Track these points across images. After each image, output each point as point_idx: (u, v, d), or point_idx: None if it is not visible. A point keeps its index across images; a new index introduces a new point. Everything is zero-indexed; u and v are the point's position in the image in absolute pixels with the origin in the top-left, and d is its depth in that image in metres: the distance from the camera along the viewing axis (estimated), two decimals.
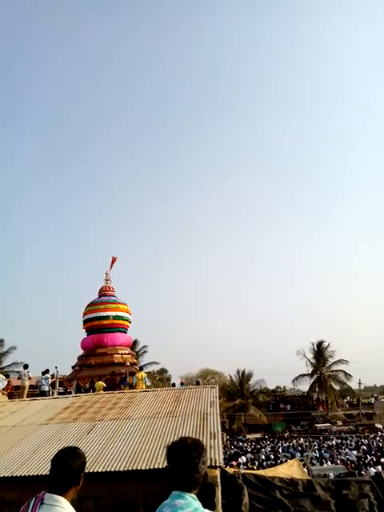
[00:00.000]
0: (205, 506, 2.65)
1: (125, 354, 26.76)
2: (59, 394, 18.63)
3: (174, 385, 22.15)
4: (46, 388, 14.72)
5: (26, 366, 15.06)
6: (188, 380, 38.23)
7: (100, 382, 16.46)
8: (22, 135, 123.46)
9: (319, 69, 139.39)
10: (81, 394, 11.35)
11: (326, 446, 24.46)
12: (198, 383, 21.80)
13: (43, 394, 14.08)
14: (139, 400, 8.32)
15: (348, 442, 26.03)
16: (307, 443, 26.58)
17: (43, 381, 14.79)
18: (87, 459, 5.16)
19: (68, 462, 2.12)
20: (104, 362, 25.21)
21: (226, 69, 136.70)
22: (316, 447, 24.02)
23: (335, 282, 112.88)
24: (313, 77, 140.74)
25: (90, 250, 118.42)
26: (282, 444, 26.64)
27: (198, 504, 1.77)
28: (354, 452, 20.21)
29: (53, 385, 17.38)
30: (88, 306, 28.18)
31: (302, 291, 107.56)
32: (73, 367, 27.47)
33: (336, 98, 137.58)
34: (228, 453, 22.95)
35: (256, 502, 6.73)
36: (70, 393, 21.28)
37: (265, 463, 18.15)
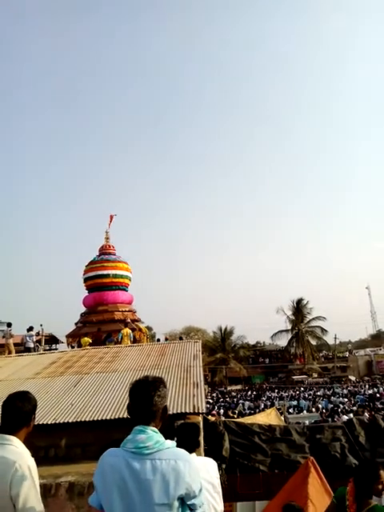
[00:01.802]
0: (190, 445, 2.81)
1: (125, 311, 27.05)
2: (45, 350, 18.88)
3: (158, 340, 22.66)
4: (31, 345, 14.89)
5: (9, 324, 15.11)
6: (172, 336, 39.05)
7: (86, 338, 16.71)
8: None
9: None
10: (66, 350, 11.54)
11: (303, 396, 25.82)
12: (181, 339, 22.36)
13: (28, 350, 14.25)
14: (125, 354, 8.52)
15: (321, 392, 27.50)
16: (286, 393, 28.04)
17: (28, 338, 14.94)
18: (75, 410, 5.37)
19: (18, 405, 2.25)
20: (105, 319, 25.51)
21: None
22: (292, 397, 25.41)
23: (313, 247, 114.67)
24: None
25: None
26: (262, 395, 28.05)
27: (159, 437, 1.80)
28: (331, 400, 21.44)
29: (39, 342, 17.55)
30: (88, 264, 28.21)
31: (283, 253, 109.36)
32: (75, 324, 27.87)
33: None
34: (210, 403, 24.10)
35: (236, 447, 7.14)
36: (73, 347, 21.59)
37: (245, 412, 19.12)
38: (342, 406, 19.05)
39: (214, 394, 31.41)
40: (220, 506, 1.80)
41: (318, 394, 27.04)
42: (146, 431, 1.79)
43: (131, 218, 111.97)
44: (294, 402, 22.12)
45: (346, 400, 21.45)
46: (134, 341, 16.09)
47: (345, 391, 26.72)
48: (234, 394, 31.41)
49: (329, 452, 7.04)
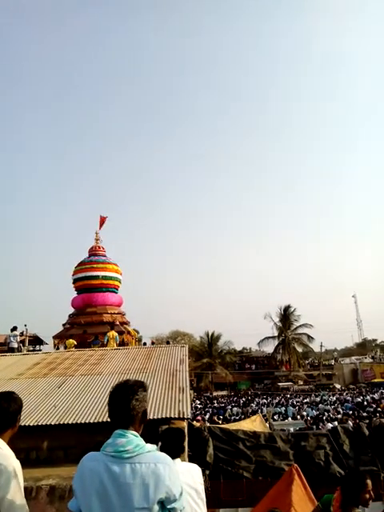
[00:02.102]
0: (175, 450, 2.77)
1: (114, 313, 26.86)
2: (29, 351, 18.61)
3: (145, 344, 22.53)
4: (15, 345, 14.64)
5: None
6: (159, 340, 38.92)
7: (70, 340, 16.54)
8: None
9: None
10: (51, 352, 11.39)
11: (289, 402, 25.89)
12: (168, 343, 22.24)
13: (12, 350, 14.02)
14: (110, 357, 8.43)
15: (309, 400, 27.59)
16: (270, 400, 28.07)
17: (11, 338, 14.69)
18: (58, 412, 5.27)
19: (3, 406, 2.19)
20: (93, 321, 25.26)
21: None
22: (278, 403, 25.45)
23: (301, 254, 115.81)
24: None
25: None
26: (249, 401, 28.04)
27: (139, 440, 1.78)
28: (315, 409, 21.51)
29: (22, 343, 17.30)
30: (77, 265, 28.00)
31: (271, 260, 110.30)
32: (63, 325, 27.57)
33: None
34: (196, 408, 24.01)
35: (220, 453, 7.10)
36: (58, 349, 21.34)
37: (231, 418, 19.06)
38: (326, 413, 19.13)
39: (202, 400, 31.32)
40: (181, 502, 1.81)
41: (306, 401, 27.11)
42: (126, 435, 1.77)
43: (123, 219, 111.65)
44: (282, 409, 22.13)
45: (333, 407, 21.56)
46: (123, 344, 15.96)
47: (333, 398, 26.86)
48: (222, 400, 31.27)
49: (313, 460, 7.04)
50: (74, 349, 13.12)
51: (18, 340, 15.35)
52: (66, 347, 16.62)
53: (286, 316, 44.82)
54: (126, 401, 1.81)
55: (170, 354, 8.24)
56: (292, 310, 44.89)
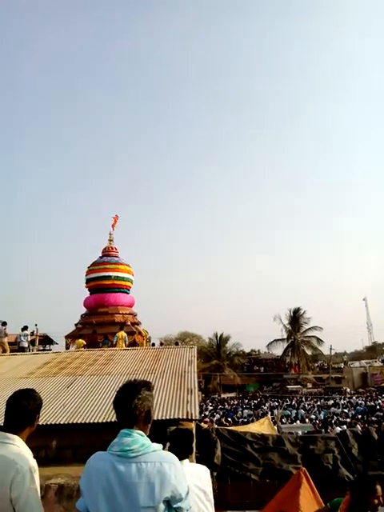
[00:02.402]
0: (183, 451, 2.78)
1: (126, 313, 27.00)
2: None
3: (153, 345, 22.57)
4: (25, 344, 14.76)
5: (4, 323, 15.01)
6: (167, 342, 38.92)
7: (80, 340, 16.61)
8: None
9: None
10: (61, 351, 11.48)
11: (302, 406, 25.70)
12: (176, 344, 22.22)
13: (22, 349, 14.15)
14: (119, 357, 8.47)
15: (320, 402, 27.35)
16: (288, 402, 27.87)
17: (22, 337, 14.80)
18: (67, 411, 5.32)
19: (23, 403, 2.16)
20: (105, 321, 25.44)
21: None
22: (288, 406, 25.26)
23: (312, 257, 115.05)
24: None
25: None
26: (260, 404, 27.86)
27: (144, 440, 1.79)
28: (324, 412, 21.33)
29: (32, 342, 17.44)
30: (90, 265, 28.32)
31: (281, 263, 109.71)
32: (75, 325, 27.83)
33: None
34: (205, 409, 23.99)
35: (228, 455, 7.10)
36: (68, 349, 21.52)
37: (239, 421, 18.97)
38: (336, 416, 18.95)
39: (214, 402, 31.26)
40: (188, 502, 1.82)
41: (318, 404, 26.87)
42: (132, 434, 1.78)
43: (130, 219, 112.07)
44: (293, 411, 21.96)
45: (346, 410, 21.37)
46: (134, 344, 16.00)
47: (344, 402, 26.60)
48: (233, 402, 31.05)
49: (321, 463, 7.00)
50: (83, 349, 13.20)
51: (29, 339, 15.48)
52: (76, 347, 16.72)
53: (296, 318, 44.51)
54: (128, 400, 1.83)
55: (179, 356, 8.26)
56: (302, 312, 44.61)
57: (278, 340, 45.19)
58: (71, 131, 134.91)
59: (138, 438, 1.78)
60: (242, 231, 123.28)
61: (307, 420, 18.70)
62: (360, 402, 26.35)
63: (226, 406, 27.41)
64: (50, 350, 26.46)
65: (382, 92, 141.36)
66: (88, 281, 28.06)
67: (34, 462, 2.05)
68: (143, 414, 1.85)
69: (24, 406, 2.16)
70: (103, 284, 27.22)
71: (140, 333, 25.68)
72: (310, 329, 44.58)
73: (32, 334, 16.80)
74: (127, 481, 1.69)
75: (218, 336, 45.88)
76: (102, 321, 25.55)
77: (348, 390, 37.59)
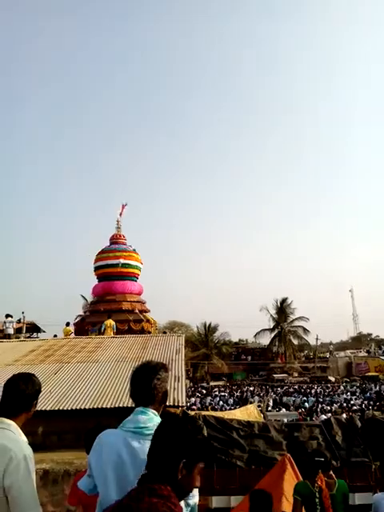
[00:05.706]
0: None
1: (134, 301, 26.93)
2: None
3: (165, 333, 22.66)
4: (11, 331, 14.73)
5: None
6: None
7: (67, 328, 16.56)
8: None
9: None
10: (48, 338, 11.41)
11: (284, 393, 26.15)
12: (164, 333, 22.31)
13: (8, 336, 14.09)
14: (107, 345, 8.46)
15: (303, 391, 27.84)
16: (264, 392, 28.29)
17: (7, 324, 14.78)
18: (54, 398, 5.29)
19: (21, 387, 2.09)
20: (112, 309, 25.34)
21: None
22: (273, 395, 25.65)
23: (299, 248, 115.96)
24: None
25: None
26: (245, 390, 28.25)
27: (159, 419, 1.82)
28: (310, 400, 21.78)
29: (19, 330, 17.36)
30: (98, 253, 28.16)
31: (269, 253, 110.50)
32: (84, 312, 27.77)
33: None
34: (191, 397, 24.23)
35: (214, 442, 7.15)
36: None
37: (227, 408, 19.22)
38: (320, 405, 19.32)
39: (206, 389, 31.57)
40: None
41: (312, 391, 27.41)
42: (148, 413, 1.83)
43: (131, 205, 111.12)
44: (290, 399, 22.50)
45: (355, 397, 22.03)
46: (143, 331, 16.02)
47: (353, 389, 27.32)
48: (224, 393, 30.89)
49: (306, 450, 7.09)
50: (70, 337, 13.16)
51: (14, 326, 15.41)
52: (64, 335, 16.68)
53: (283, 308, 45.00)
54: (148, 380, 1.88)
55: (166, 344, 8.28)
56: (289, 302, 45.11)
57: (265, 330, 45.73)
58: (74, 120, 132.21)
59: (153, 417, 1.83)
60: (229, 222, 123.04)
61: (292, 408, 19.05)
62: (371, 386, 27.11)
63: (217, 393, 27.67)
64: (38, 338, 26.36)
65: None
66: (96, 268, 28.01)
67: (29, 450, 1.97)
68: (160, 395, 1.91)
69: (22, 390, 2.09)
70: (111, 272, 27.10)
71: (148, 320, 25.73)
72: (296, 319, 45.16)
73: (19, 321, 16.71)
74: (141, 457, 1.70)
75: (207, 325, 46.20)
76: (110, 308, 25.43)
77: (332, 379, 38.28)
